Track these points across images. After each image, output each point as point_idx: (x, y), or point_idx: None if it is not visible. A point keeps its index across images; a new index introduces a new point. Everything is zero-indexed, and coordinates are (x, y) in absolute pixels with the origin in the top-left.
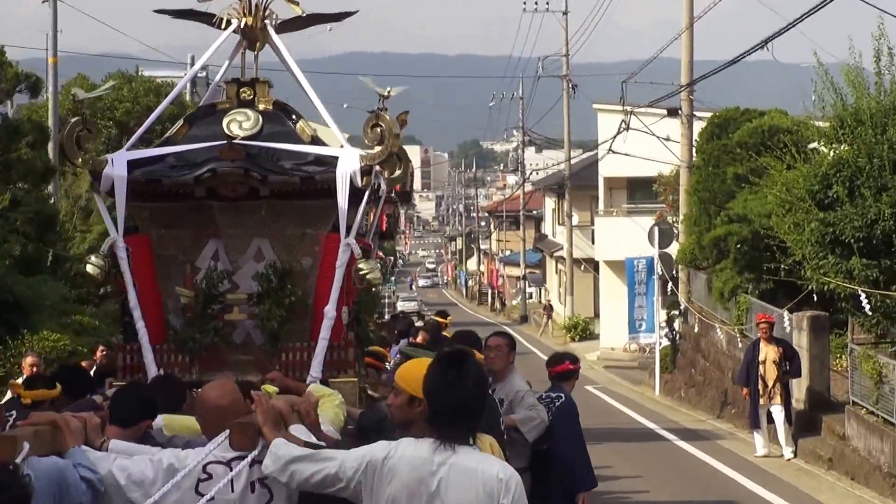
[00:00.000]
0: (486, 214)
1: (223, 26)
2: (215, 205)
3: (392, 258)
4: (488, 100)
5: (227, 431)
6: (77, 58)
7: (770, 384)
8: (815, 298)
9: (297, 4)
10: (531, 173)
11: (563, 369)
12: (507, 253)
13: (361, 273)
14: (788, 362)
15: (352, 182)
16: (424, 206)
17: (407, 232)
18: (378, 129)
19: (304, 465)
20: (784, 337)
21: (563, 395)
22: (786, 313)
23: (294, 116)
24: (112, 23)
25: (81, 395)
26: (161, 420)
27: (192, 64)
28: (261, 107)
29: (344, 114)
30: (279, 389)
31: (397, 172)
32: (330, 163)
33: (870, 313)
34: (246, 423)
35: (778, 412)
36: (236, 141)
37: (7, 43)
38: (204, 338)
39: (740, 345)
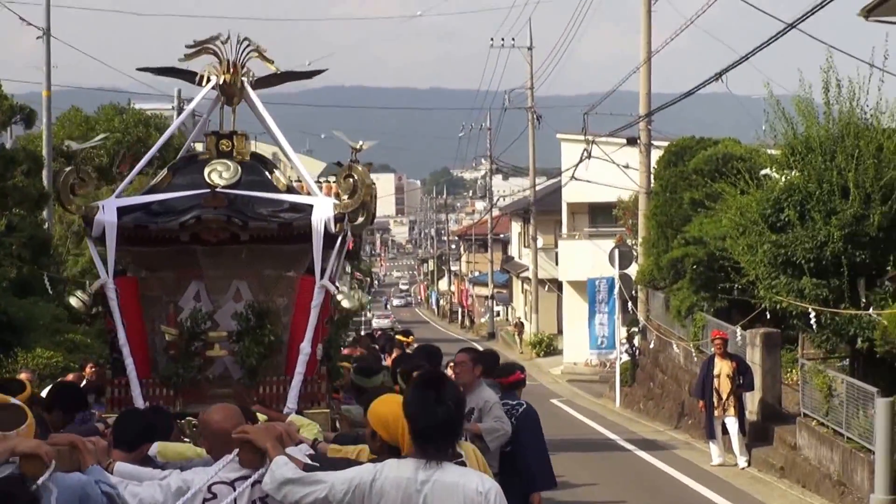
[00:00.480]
0: (457, 238)
1: (203, 83)
2: (199, 249)
3: (369, 279)
4: (458, 130)
5: (234, 453)
6: (72, 92)
7: (724, 397)
8: (768, 316)
9: (272, 63)
10: (498, 199)
11: (516, 379)
12: (476, 274)
13: (338, 303)
14: (742, 376)
15: (326, 228)
16: (398, 230)
17: (382, 255)
18: (351, 180)
19: (296, 488)
20: (738, 352)
21: (524, 402)
22: (739, 330)
23: (270, 167)
24: (106, 59)
25: (74, 411)
26: (155, 448)
27: (179, 96)
28: (239, 158)
29: (322, 143)
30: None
31: (360, 219)
32: (305, 210)
33: (818, 330)
34: (255, 445)
35: (732, 423)
36: (221, 190)
37: (6, 78)
38: (187, 373)
39: (696, 359)
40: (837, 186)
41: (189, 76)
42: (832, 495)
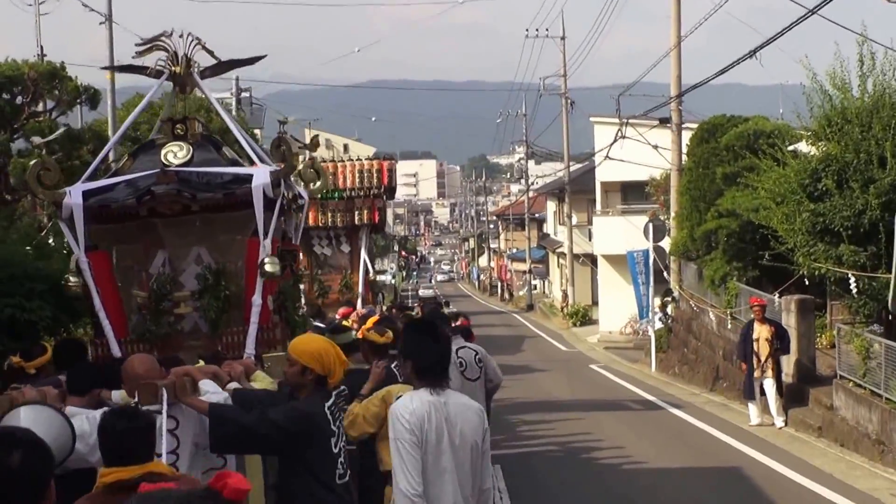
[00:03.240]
0: (495, 218)
1: (157, 76)
2: (158, 221)
3: (414, 257)
4: (492, 121)
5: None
6: (137, 87)
7: (763, 359)
8: (807, 283)
9: (212, 53)
10: (534, 181)
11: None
12: (514, 250)
13: (265, 268)
14: (779, 340)
15: (265, 193)
16: (440, 212)
17: (426, 234)
18: (281, 149)
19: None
20: (774, 318)
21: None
22: (776, 297)
23: (218, 145)
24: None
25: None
26: (117, 395)
27: (237, 83)
28: (192, 140)
29: (371, 126)
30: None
31: (318, 184)
32: (247, 180)
33: (857, 296)
34: (148, 383)
35: (770, 385)
36: (170, 168)
37: (71, 63)
38: (159, 330)
39: (730, 326)
40: (875, 156)
41: (145, 71)
42: (872, 454)
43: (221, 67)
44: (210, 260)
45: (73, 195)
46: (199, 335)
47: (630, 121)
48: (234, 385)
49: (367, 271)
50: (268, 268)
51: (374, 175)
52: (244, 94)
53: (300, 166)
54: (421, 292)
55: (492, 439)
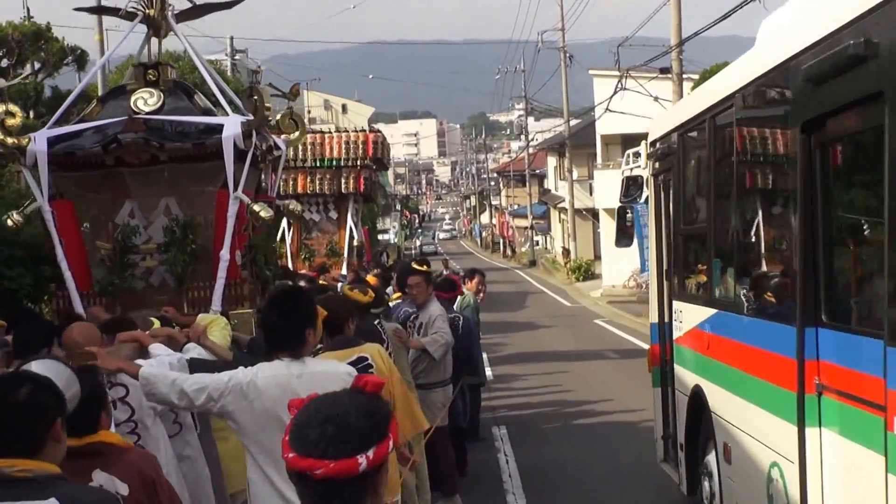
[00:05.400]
0: (496, 175)
1: (131, 19)
2: (125, 171)
3: (416, 216)
4: (491, 79)
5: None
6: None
7: None
8: None
9: None
10: (534, 137)
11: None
12: (516, 207)
13: (256, 213)
14: None
15: (236, 144)
16: (442, 171)
17: (428, 193)
18: (254, 99)
19: (189, 383)
20: None
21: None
22: None
23: (190, 93)
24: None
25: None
26: None
27: (231, 44)
28: (164, 86)
29: (371, 86)
30: (175, 322)
31: (296, 134)
32: (217, 130)
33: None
34: (84, 352)
35: None
36: (139, 116)
37: (56, 24)
38: (123, 283)
39: None
40: None
41: (117, 13)
42: None
43: (196, 10)
44: (179, 212)
45: (38, 141)
46: (168, 290)
47: (630, 72)
48: (194, 350)
49: (352, 238)
50: (262, 214)
51: (360, 146)
52: (240, 55)
53: (278, 116)
54: (425, 248)
55: (496, 398)
